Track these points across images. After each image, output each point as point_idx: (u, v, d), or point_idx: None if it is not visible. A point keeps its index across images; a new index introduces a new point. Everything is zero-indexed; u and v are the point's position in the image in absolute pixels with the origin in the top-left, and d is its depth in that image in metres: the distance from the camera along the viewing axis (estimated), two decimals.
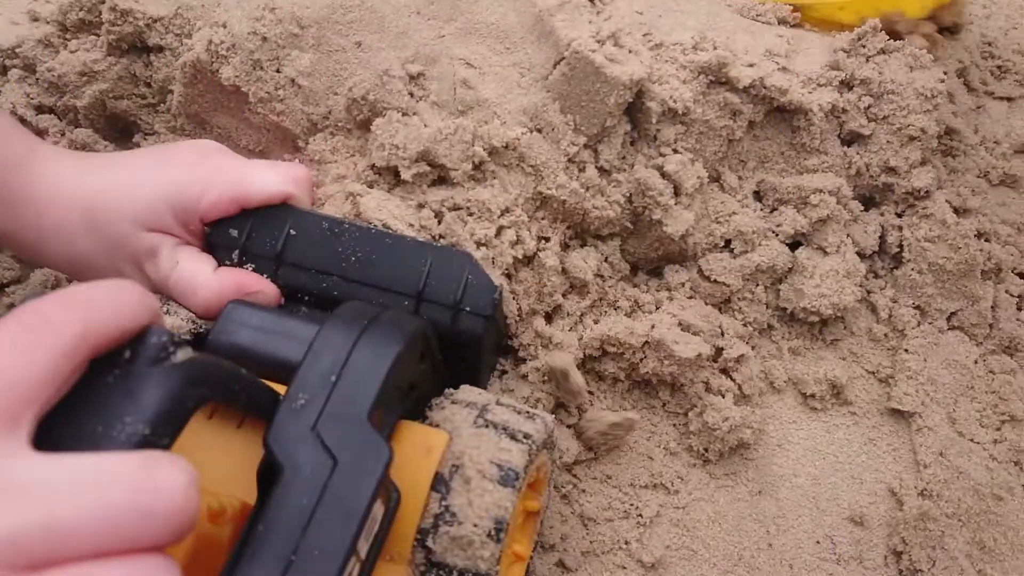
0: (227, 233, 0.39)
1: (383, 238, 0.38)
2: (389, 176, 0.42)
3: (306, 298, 0.38)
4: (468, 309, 0.37)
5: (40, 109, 0.51)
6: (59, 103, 0.50)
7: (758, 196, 0.49)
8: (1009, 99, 0.57)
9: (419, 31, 0.45)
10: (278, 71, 0.45)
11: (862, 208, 0.49)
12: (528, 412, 0.36)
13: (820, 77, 0.48)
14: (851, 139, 0.49)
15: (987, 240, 0.50)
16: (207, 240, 0.39)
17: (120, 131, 0.52)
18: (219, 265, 0.39)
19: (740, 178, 0.48)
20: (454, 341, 0.38)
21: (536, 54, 0.44)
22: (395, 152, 0.41)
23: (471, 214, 0.41)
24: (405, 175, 0.41)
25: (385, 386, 0.29)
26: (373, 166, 0.43)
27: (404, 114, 0.43)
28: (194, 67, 0.46)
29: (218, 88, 0.46)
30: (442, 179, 0.42)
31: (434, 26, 0.45)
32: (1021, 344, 0.49)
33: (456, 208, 0.41)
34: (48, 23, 0.51)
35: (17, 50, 0.51)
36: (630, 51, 0.43)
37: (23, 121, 0.50)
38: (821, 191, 0.47)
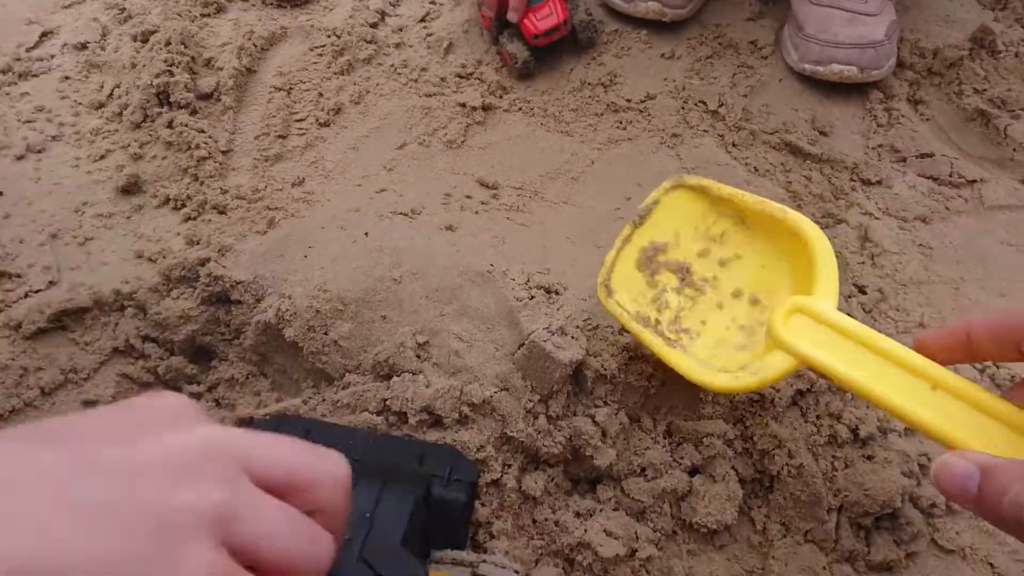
0: None
1: (388, 438, 0.55)
2: (398, 419, 0.60)
3: None
4: (457, 477, 0.52)
5: (146, 339, 0.69)
6: (160, 336, 0.69)
7: (667, 434, 0.66)
8: None
9: (427, 310, 0.64)
10: (326, 334, 0.63)
11: (744, 446, 0.67)
12: (507, 565, 0.52)
13: None
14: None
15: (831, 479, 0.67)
16: None
17: (203, 355, 0.70)
18: None
19: (654, 421, 0.66)
20: (442, 508, 0.50)
21: (507, 336, 0.63)
22: (406, 403, 0.59)
23: None
24: (411, 420, 0.59)
25: (411, 523, 0.43)
26: (389, 408, 0.60)
27: (413, 374, 0.61)
28: (266, 326, 0.65)
29: (281, 340, 0.65)
30: (437, 422, 0.60)
31: (437, 307, 0.64)
32: (858, 555, 0.65)
33: None
34: (155, 275, 0.70)
35: (133, 295, 0.69)
36: (573, 338, 0.61)
37: (131, 348, 0.68)
38: (711, 435, 0.64)
